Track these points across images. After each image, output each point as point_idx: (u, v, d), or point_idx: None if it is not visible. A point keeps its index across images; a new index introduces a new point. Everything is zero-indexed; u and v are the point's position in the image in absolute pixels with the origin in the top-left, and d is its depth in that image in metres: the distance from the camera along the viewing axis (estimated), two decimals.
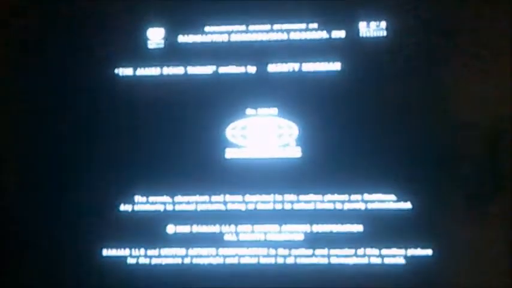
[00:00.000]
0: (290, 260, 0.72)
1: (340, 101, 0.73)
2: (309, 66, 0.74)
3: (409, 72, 0.72)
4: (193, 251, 0.73)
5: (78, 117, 0.75)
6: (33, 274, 0.74)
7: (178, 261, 0.73)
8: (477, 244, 0.69)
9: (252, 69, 0.74)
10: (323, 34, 0.74)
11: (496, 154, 0.70)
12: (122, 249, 0.73)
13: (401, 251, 0.71)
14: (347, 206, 0.72)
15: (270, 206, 0.73)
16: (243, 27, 0.75)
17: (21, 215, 0.75)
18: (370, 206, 0.72)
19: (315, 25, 0.74)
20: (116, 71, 0.75)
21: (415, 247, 0.70)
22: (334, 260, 0.71)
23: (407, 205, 0.71)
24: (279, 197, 0.73)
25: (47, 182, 0.75)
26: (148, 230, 0.73)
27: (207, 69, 0.75)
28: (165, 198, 0.74)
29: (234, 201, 0.73)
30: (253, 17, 0.75)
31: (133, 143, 0.74)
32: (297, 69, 0.74)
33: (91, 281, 0.73)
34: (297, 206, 0.73)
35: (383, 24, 0.74)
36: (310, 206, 0.72)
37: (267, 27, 0.75)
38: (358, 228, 0.72)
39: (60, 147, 0.75)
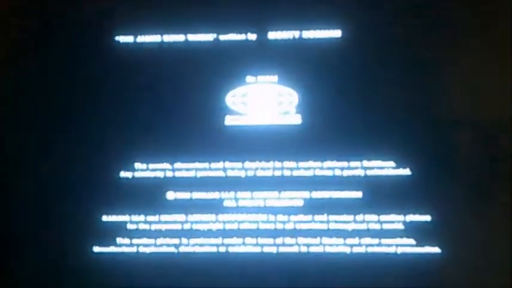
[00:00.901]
0: (289, 226, 0.72)
1: (340, 68, 0.73)
2: (309, 34, 0.74)
3: (409, 40, 0.72)
4: (192, 217, 0.73)
5: (78, 86, 0.75)
6: (34, 240, 0.74)
7: (178, 227, 0.73)
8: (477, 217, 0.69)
9: (252, 36, 0.74)
10: (323, 1, 0.74)
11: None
12: (122, 215, 0.73)
13: (400, 217, 0.71)
14: (346, 173, 0.72)
15: (269, 173, 0.73)
16: None
17: (21, 181, 0.75)
18: (370, 172, 0.72)
19: None
20: (117, 38, 0.75)
21: (414, 213, 0.71)
22: (333, 226, 0.71)
23: (407, 172, 0.71)
24: (278, 164, 0.73)
25: (47, 149, 0.75)
26: (148, 197, 0.74)
27: (208, 37, 0.75)
28: (165, 165, 0.74)
29: (234, 168, 0.73)
30: None
31: (134, 111, 0.74)
32: (297, 36, 0.74)
33: (91, 247, 0.73)
34: (296, 173, 0.73)
35: None
36: (310, 173, 0.73)
37: None
38: (357, 194, 0.72)
39: (60, 115, 0.75)
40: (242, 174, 0.73)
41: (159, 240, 0.73)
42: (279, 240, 0.72)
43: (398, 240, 0.71)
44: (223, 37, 0.75)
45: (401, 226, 0.71)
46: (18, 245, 0.74)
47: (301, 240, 0.72)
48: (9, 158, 0.75)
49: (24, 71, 0.76)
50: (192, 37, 0.75)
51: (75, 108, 0.75)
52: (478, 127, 0.71)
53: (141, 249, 0.73)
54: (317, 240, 0.71)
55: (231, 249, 0.72)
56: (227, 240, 0.72)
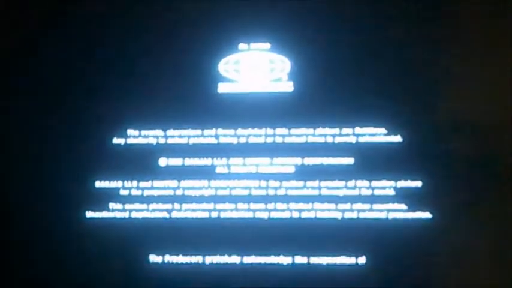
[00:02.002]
0: (281, 192, 0.72)
1: (332, 36, 0.73)
2: (301, 1, 0.74)
3: (405, 11, 0.73)
4: (185, 183, 0.73)
5: (71, 51, 0.76)
6: (27, 206, 0.74)
7: (170, 192, 0.73)
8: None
9: (245, 3, 0.74)
10: None
11: None
12: (115, 181, 0.74)
13: (392, 183, 0.71)
14: (338, 140, 0.73)
15: (261, 140, 0.73)
16: None
17: (15, 148, 0.75)
18: (361, 139, 0.72)
19: None
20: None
21: (405, 179, 0.71)
22: (324, 192, 0.72)
23: (398, 138, 0.72)
24: (270, 131, 0.73)
25: (40, 117, 0.75)
26: (140, 163, 0.74)
27: (201, 4, 0.75)
28: (158, 132, 0.74)
29: (226, 135, 0.74)
30: None
31: (127, 78, 0.75)
32: (289, 3, 0.74)
33: (83, 212, 0.73)
34: (288, 140, 0.73)
35: None
36: (301, 140, 0.73)
37: None
38: (349, 161, 0.72)
39: (54, 81, 0.75)
40: (234, 141, 0.74)
41: (152, 206, 0.73)
42: (270, 206, 0.72)
43: (389, 206, 0.71)
44: (216, 4, 0.75)
45: (392, 192, 0.71)
46: (11, 210, 0.74)
47: (293, 206, 0.72)
48: (2, 125, 0.75)
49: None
50: (185, 4, 0.75)
51: (68, 75, 0.75)
52: (469, 95, 0.71)
53: (134, 215, 0.73)
54: (309, 206, 0.72)
55: (223, 215, 0.72)
56: (219, 206, 0.72)
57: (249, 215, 0.72)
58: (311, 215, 0.71)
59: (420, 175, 0.71)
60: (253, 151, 0.73)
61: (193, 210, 0.73)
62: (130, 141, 0.74)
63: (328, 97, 0.73)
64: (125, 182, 0.74)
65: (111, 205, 0.73)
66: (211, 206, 0.73)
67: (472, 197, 0.70)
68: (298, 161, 0.73)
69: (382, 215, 0.71)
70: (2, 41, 0.77)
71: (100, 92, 0.75)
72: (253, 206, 0.72)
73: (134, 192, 0.73)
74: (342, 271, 0.70)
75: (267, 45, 0.74)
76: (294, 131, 0.73)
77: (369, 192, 0.71)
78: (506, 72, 0.71)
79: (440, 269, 0.69)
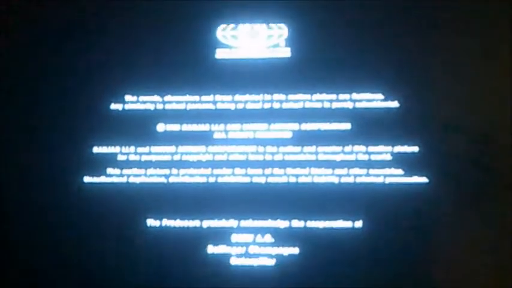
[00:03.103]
0: (278, 157, 0.73)
1: (330, 2, 0.73)
2: None
3: None
4: (182, 149, 0.73)
5: (68, 18, 0.76)
6: (25, 170, 0.74)
7: (168, 158, 0.73)
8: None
9: None
10: None
11: None
12: (113, 147, 0.74)
13: (389, 148, 0.71)
14: (335, 105, 0.73)
15: (259, 105, 0.74)
16: None
17: (13, 114, 0.75)
18: (358, 104, 0.72)
19: None
20: None
21: (402, 144, 0.71)
22: (321, 157, 0.72)
23: (395, 104, 0.72)
24: (268, 97, 0.74)
25: (39, 82, 0.75)
26: (138, 129, 0.74)
27: None
28: (156, 98, 0.74)
29: (224, 101, 0.74)
30: None
31: (125, 44, 0.75)
32: None
33: (81, 177, 0.73)
34: (285, 105, 0.73)
35: None
36: (299, 105, 0.73)
37: None
38: (346, 126, 0.72)
39: (51, 47, 0.75)
40: (232, 106, 0.74)
41: (149, 171, 0.73)
42: (268, 171, 0.72)
43: (386, 171, 0.71)
44: None
45: (389, 157, 0.71)
46: (9, 176, 0.74)
47: (290, 170, 0.72)
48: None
49: None
50: None
51: (65, 40, 0.75)
52: (464, 57, 0.71)
53: (131, 180, 0.73)
54: (306, 171, 0.72)
55: (220, 180, 0.73)
56: (217, 171, 0.73)
57: (246, 180, 0.72)
58: (308, 179, 0.72)
59: (417, 140, 0.71)
60: (251, 117, 0.73)
61: (191, 175, 0.73)
62: (128, 107, 0.75)
63: (326, 63, 0.73)
64: (123, 147, 0.74)
65: (109, 170, 0.74)
66: (208, 171, 0.73)
67: (468, 162, 0.70)
68: (295, 126, 0.73)
69: (379, 180, 0.71)
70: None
71: (98, 58, 0.75)
72: (250, 171, 0.72)
73: (132, 157, 0.74)
74: (339, 235, 0.70)
75: (265, 11, 0.74)
76: (291, 96, 0.73)
77: (365, 157, 0.72)
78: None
79: (436, 233, 0.70)
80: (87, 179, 0.73)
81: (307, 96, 0.73)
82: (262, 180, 0.72)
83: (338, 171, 0.72)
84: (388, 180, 0.71)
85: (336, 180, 0.71)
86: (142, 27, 0.75)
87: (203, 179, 0.73)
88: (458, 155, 0.70)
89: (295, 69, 0.74)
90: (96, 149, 0.74)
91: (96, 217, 0.73)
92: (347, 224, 0.71)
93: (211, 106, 0.74)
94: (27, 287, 0.73)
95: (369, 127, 0.72)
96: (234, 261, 0.71)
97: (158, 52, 0.74)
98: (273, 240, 0.71)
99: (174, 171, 0.73)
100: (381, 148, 0.72)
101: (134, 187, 0.73)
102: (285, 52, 0.74)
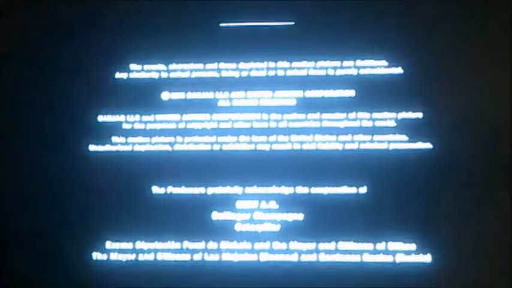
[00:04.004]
0: (283, 124, 0.73)
1: None
2: None
3: None
4: (187, 117, 0.74)
5: None
6: (31, 140, 0.75)
7: (173, 126, 0.74)
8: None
9: None
10: None
11: None
12: (117, 115, 0.74)
13: (393, 115, 0.72)
14: (339, 72, 0.73)
15: (263, 73, 0.74)
16: None
17: (16, 82, 0.76)
18: (362, 71, 0.73)
19: None
20: None
21: (406, 110, 0.71)
22: (325, 124, 0.72)
23: (399, 70, 0.72)
24: (272, 64, 0.74)
25: (44, 50, 0.75)
26: (143, 97, 0.75)
27: None
28: (160, 66, 0.75)
29: (228, 69, 0.74)
30: None
31: (129, 12, 0.75)
32: None
33: (86, 146, 0.74)
34: (289, 73, 0.74)
35: None
36: (303, 73, 0.73)
37: None
38: (350, 93, 0.73)
39: (56, 16, 0.76)
40: (236, 74, 0.74)
41: (154, 139, 0.73)
42: (272, 138, 0.72)
43: (390, 137, 0.71)
44: None
45: (393, 123, 0.72)
46: (14, 144, 0.75)
47: (294, 137, 0.72)
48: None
49: None
50: None
51: (70, 10, 0.76)
52: (467, 23, 0.71)
53: (136, 148, 0.74)
54: (310, 138, 0.72)
55: (225, 147, 0.73)
56: (221, 139, 0.73)
57: (251, 147, 0.73)
58: (312, 146, 0.72)
59: (421, 106, 0.71)
60: (255, 84, 0.74)
61: (196, 143, 0.73)
62: (133, 75, 0.75)
63: (330, 30, 0.73)
64: (128, 115, 0.74)
65: (114, 138, 0.74)
66: (213, 138, 0.73)
67: (474, 127, 0.70)
68: (299, 93, 0.73)
69: (383, 146, 0.71)
70: None
71: (102, 27, 0.75)
72: (255, 138, 0.73)
73: (137, 125, 0.74)
74: (343, 201, 0.71)
75: None
76: (295, 64, 0.73)
77: (370, 123, 0.72)
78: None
79: (440, 198, 0.70)
80: (92, 147, 0.74)
81: (312, 64, 0.73)
82: (266, 147, 0.72)
83: (342, 137, 0.72)
84: (392, 146, 0.71)
85: (340, 146, 0.72)
86: None
87: (208, 147, 0.73)
88: (461, 121, 0.70)
89: (299, 36, 0.74)
90: (101, 118, 0.74)
91: (101, 185, 0.73)
92: (351, 190, 0.71)
93: (215, 74, 0.74)
94: (29, 250, 0.72)
95: (372, 94, 0.72)
96: (238, 227, 0.71)
97: (162, 20, 0.75)
98: (277, 206, 0.71)
99: (179, 139, 0.73)
100: (385, 114, 0.72)
101: (139, 155, 0.73)
102: (289, 19, 0.74)
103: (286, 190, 0.71)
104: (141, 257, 0.70)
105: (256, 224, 0.71)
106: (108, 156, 0.73)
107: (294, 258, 0.69)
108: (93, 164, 0.73)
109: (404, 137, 0.71)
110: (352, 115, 0.72)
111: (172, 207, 0.72)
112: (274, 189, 0.72)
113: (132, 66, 0.75)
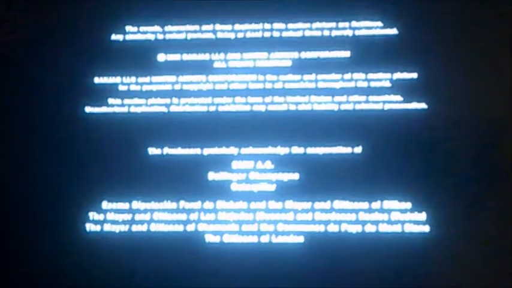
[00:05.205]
0: (278, 85, 0.73)
1: None
2: None
3: None
4: (183, 78, 0.74)
5: None
6: (27, 102, 0.75)
7: (169, 87, 0.74)
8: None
9: None
10: None
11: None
12: (113, 77, 0.74)
13: (388, 75, 0.72)
14: (334, 33, 0.73)
15: (258, 34, 0.74)
16: None
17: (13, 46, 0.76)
18: (358, 32, 0.73)
19: None
20: None
21: (401, 71, 0.72)
22: (321, 85, 0.72)
23: (394, 31, 0.72)
24: (267, 25, 0.74)
25: (39, 13, 0.75)
26: (139, 59, 0.75)
27: None
28: (156, 28, 0.75)
29: (224, 30, 0.74)
30: None
31: None
32: None
33: (82, 107, 0.74)
34: (285, 34, 0.74)
35: None
36: (298, 34, 0.73)
37: None
38: (346, 54, 0.73)
39: None
40: (232, 35, 0.74)
41: (150, 100, 0.74)
42: (268, 99, 0.73)
43: (385, 97, 0.71)
44: None
45: (388, 84, 0.72)
46: (10, 103, 0.75)
47: (290, 98, 0.72)
48: None
49: None
50: None
51: None
52: None
53: (133, 109, 0.74)
54: (305, 99, 0.72)
55: (220, 108, 0.73)
56: (217, 100, 0.73)
57: (247, 108, 0.73)
58: (308, 107, 0.72)
59: (416, 67, 0.72)
60: (251, 45, 0.74)
61: (192, 104, 0.73)
62: (128, 37, 0.75)
63: None
64: (124, 77, 0.74)
65: (110, 100, 0.74)
66: (209, 100, 0.73)
67: (467, 89, 0.70)
68: (295, 54, 0.73)
69: (378, 106, 0.71)
70: None
71: None
72: (250, 99, 0.73)
73: (133, 87, 0.74)
74: (339, 161, 0.71)
75: None
76: (291, 25, 0.74)
77: (365, 84, 0.72)
78: None
79: (434, 158, 0.70)
80: (88, 109, 0.74)
81: (307, 25, 0.73)
82: (262, 108, 0.73)
83: (338, 98, 0.72)
84: (387, 106, 0.71)
85: (335, 107, 0.72)
86: None
87: (204, 108, 0.73)
88: (456, 81, 0.71)
89: None
90: (97, 80, 0.74)
91: (97, 147, 0.73)
92: (346, 150, 0.71)
93: (211, 35, 0.74)
94: (25, 212, 0.73)
95: (368, 54, 0.72)
96: (234, 187, 0.71)
97: None
98: (273, 166, 0.71)
99: (175, 100, 0.73)
100: (380, 75, 0.72)
101: (135, 117, 0.74)
102: None
103: (281, 150, 0.72)
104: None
105: (252, 183, 0.71)
106: (105, 118, 0.74)
107: (289, 217, 0.70)
108: (89, 125, 0.74)
109: (399, 97, 0.71)
110: (347, 76, 0.72)
111: (169, 168, 0.72)
112: (269, 150, 0.72)
113: (128, 28, 0.75)
